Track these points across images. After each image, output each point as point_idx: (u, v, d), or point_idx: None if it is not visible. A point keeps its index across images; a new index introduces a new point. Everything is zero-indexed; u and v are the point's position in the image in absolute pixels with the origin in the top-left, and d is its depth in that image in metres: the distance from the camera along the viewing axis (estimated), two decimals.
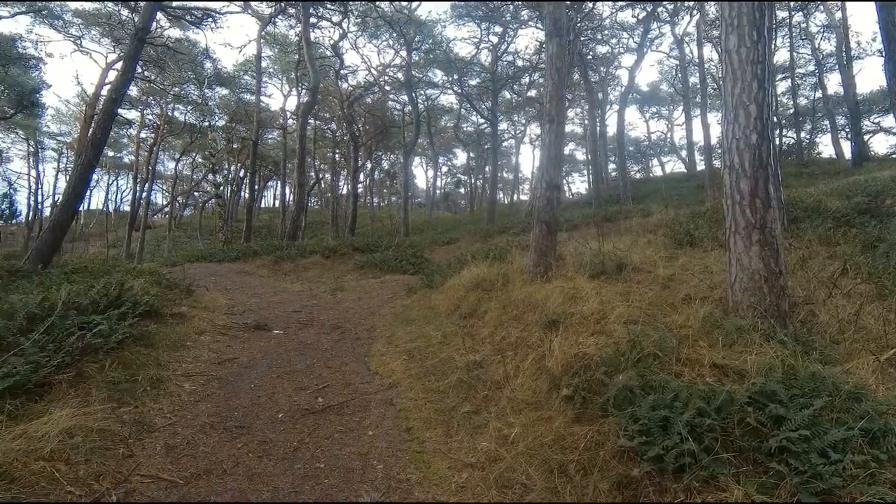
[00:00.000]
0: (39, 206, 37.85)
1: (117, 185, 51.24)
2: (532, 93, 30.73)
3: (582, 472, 2.66)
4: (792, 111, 27.13)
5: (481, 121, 35.72)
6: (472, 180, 45.49)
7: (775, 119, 19.24)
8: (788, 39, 23.95)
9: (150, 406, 3.66)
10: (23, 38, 20.15)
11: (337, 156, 40.85)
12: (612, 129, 38.01)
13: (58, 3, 19.97)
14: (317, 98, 17.95)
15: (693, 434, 2.46)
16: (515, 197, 47.75)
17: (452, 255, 14.05)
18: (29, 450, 2.69)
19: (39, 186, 38.94)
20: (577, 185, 56.67)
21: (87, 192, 47.58)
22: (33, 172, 38.89)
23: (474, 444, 3.24)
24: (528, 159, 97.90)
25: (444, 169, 55.41)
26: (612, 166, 40.69)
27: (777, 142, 20.17)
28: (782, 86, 28.02)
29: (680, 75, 27.88)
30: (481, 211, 36.29)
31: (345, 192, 48.42)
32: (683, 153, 39.33)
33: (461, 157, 52.87)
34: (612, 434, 2.76)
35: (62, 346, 3.80)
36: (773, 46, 19.46)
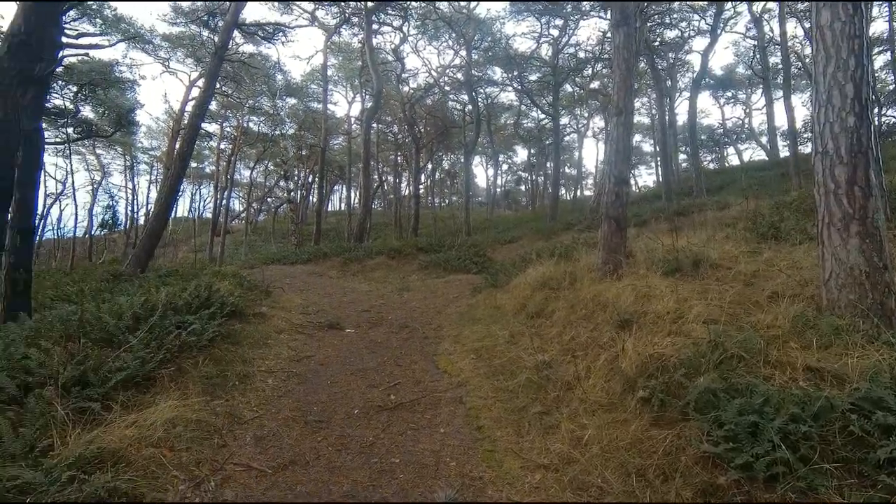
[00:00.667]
0: (135, 216, 41.83)
1: (200, 193, 55.41)
2: (595, 84, 29.80)
3: (662, 478, 2.57)
4: (893, 87, 24.42)
5: (542, 116, 35.13)
6: (533, 177, 44.83)
7: (873, 97, 17.44)
8: (887, 8, 21.56)
9: (239, 399, 3.94)
10: (119, 63, 22.29)
11: (399, 158, 41.82)
12: (681, 118, 36.07)
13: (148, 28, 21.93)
14: (380, 102, 18.46)
15: (786, 442, 2.30)
16: (578, 193, 46.56)
17: (515, 253, 13.95)
18: (140, 437, 2.99)
19: (135, 197, 42.97)
20: (644, 178, 54.33)
21: (176, 202, 51.86)
22: (130, 185, 42.99)
23: (546, 445, 3.21)
24: (592, 154, 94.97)
25: (505, 167, 55.05)
26: (682, 157, 38.60)
27: (875, 122, 18.25)
28: (880, 60, 25.29)
29: (759, 56, 25.90)
30: (543, 208, 35.71)
31: (406, 193, 49.48)
32: (763, 139, 36.53)
33: (521, 154, 52.35)
34: (694, 439, 2.64)
35: (163, 344, 4.18)
36: (869, 17, 17.65)
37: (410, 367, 5.00)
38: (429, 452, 3.30)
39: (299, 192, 38.17)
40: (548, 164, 46.11)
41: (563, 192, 55.47)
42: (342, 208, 50.62)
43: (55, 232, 30.15)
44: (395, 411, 3.95)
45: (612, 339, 4.11)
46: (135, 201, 42.04)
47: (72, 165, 33.46)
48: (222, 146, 38.33)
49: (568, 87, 31.78)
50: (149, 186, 46.55)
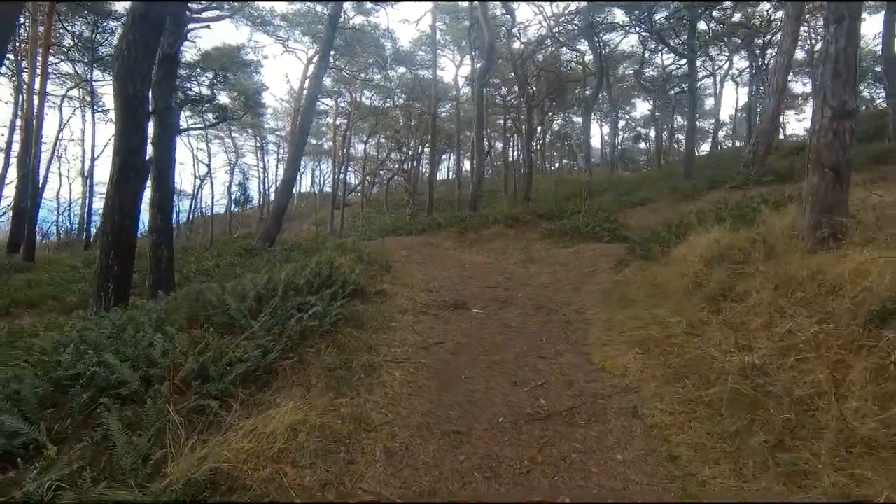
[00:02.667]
0: (266, 192, 45.71)
1: (320, 169, 59.03)
2: (737, 17, 25.32)
3: None
4: None
5: (668, 62, 31.06)
6: (656, 133, 40.32)
7: None
8: None
9: (366, 397, 3.40)
10: (245, 46, 23.65)
11: (508, 122, 40.19)
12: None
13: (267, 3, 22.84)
14: (493, 59, 17.28)
15: None
16: (710, 147, 41.03)
17: (652, 218, 12.25)
18: (259, 451, 2.52)
19: (265, 175, 46.87)
20: (793, 124, 46.31)
21: (298, 177, 55.63)
22: (261, 164, 46.94)
23: (790, 498, 2.18)
24: (729, 101, 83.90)
25: (621, 123, 50.43)
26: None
27: None
28: None
29: None
30: (670, 166, 31.99)
31: (514, 158, 47.70)
32: None
33: (641, 108, 47.53)
34: None
35: (284, 330, 3.80)
36: None
37: (556, 359, 4.13)
38: (609, 493, 2.44)
39: (410, 163, 38.61)
40: (675, 118, 41.25)
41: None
42: (450, 177, 50.52)
43: (200, 210, 33.79)
44: (548, 422, 3.13)
45: (869, 338, 2.84)
46: (265, 179, 45.83)
47: (209, 148, 37.27)
48: (338, 122, 39.95)
49: (702, 25, 27.45)
50: (276, 165, 50.36)
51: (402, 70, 30.12)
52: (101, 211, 17.05)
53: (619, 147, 48.83)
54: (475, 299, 6.07)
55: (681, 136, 40.46)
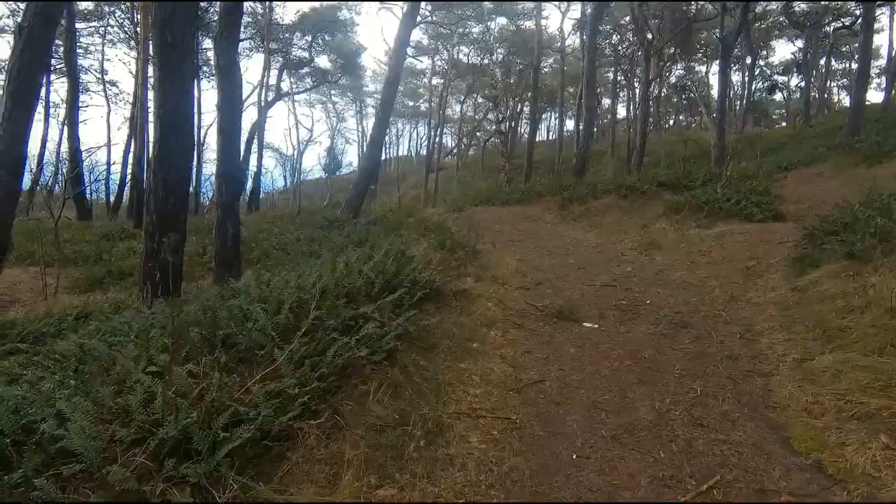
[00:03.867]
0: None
1: (417, 132, 58.62)
2: None
3: None
4: None
5: None
6: (804, 80, 33.71)
7: None
8: None
9: (421, 486, 2.21)
10: (340, 7, 23.00)
11: (618, 75, 36.13)
12: None
13: None
14: None
15: None
16: (881, 97, 33.49)
17: (817, 188, 9.59)
18: None
19: (364, 140, 47.44)
20: None
21: (395, 141, 55.54)
22: (360, 128, 47.53)
23: None
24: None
25: (756, 71, 43.06)
26: None
27: None
28: None
29: None
30: (826, 120, 26.58)
31: (624, 115, 43.13)
32: None
33: (781, 51, 40.31)
34: None
35: (320, 363, 2.70)
36: None
37: (727, 433, 2.60)
38: None
39: (507, 123, 36.54)
40: (830, 62, 34.21)
41: (840, 96, 41.62)
42: (550, 137, 47.30)
43: (301, 175, 34.81)
44: None
45: None
46: (363, 144, 46.32)
47: (312, 114, 38.03)
48: (434, 82, 38.76)
49: None
50: None
51: (502, 21, 27.82)
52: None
53: (752, 99, 42.01)
54: (586, 304, 4.58)
55: (836, 84, 33.68)
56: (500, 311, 4.23)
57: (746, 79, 31.88)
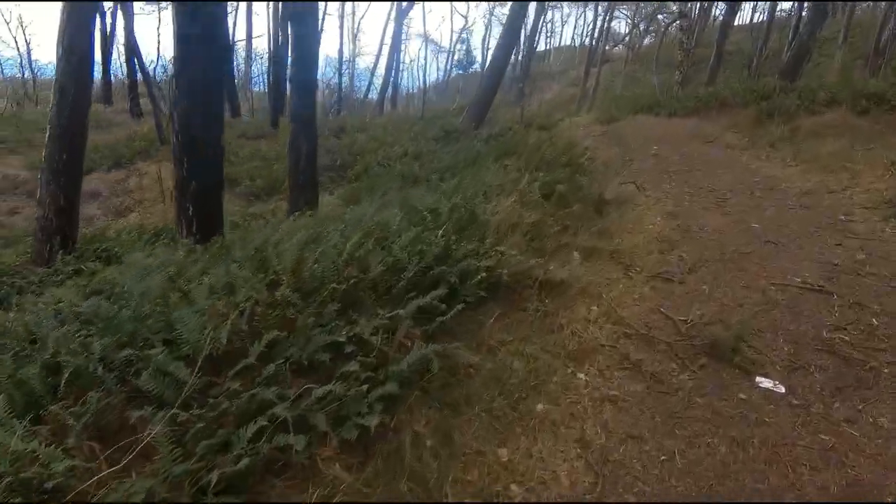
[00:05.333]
0: (523, 46, 41.79)
1: (584, 17, 50.82)
2: None
3: None
4: None
5: None
6: None
7: None
8: None
9: None
10: None
11: None
12: None
13: None
14: None
15: None
16: None
17: None
18: None
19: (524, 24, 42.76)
20: None
21: (549, 27, 48.99)
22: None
23: None
24: None
25: None
26: None
27: None
28: None
29: None
30: None
31: None
32: None
33: None
34: None
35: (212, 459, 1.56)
36: None
37: None
38: None
39: (697, 5, 29.34)
40: None
41: None
42: (757, 20, 37.00)
43: (451, 71, 32.86)
44: None
45: None
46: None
47: None
48: None
49: None
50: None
51: None
52: None
53: None
54: (769, 328, 2.68)
55: None
56: (606, 329, 2.61)
57: None
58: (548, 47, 49.70)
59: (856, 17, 26.20)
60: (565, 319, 2.62)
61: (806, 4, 12.54)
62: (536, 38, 44.26)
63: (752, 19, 39.78)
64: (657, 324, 2.72)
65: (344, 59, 27.66)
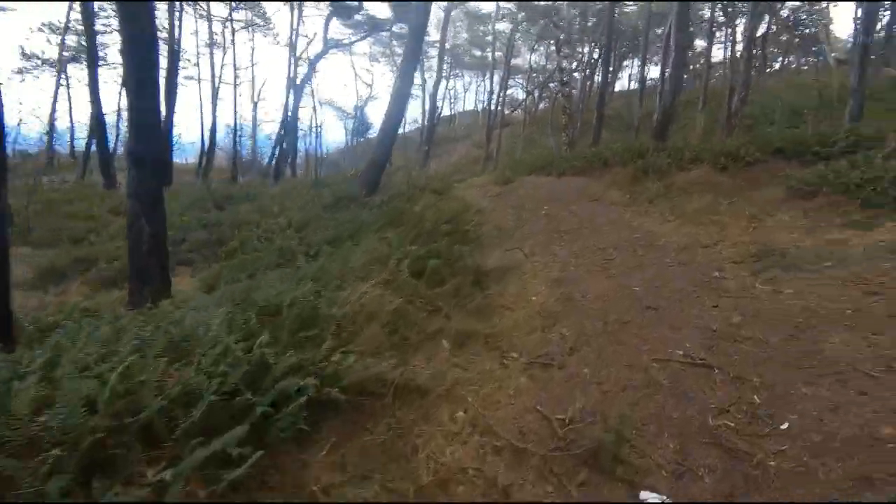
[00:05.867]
0: (424, 113, 43.50)
1: (485, 85, 54.38)
2: None
3: None
4: None
5: None
6: None
7: None
8: None
9: None
10: None
11: (716, 12, 30.45)
12: None
13: None
14: None
15: None
16: None
17: None
18: None
19: (424, 95, 44.75)
20: None
21: (452, 94, 51.92)
22: (421, 81, 44.72)
23: None
24: None
25: None
26: None
27: None
28: None
29: None
30: None
31: (721, 59, 36.79)
32: None
33: None
34: None
35: None
36: None
37: None
38: None
39: (580, 73, 32.58)
40: None
41: None
42: (632, 87, 41.82)
43: (360, 138, 33.16)
44: None
45: None
46: (425, 99, 43.64)
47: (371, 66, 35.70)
48: (499, 27, 35.20)
49: None
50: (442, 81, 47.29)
51: None
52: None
53: (881, 33, 34.00)
54: (654, 419, 2.37)
55: None
56: (473, 443, 2.16)
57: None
58: (452, 112, 52.39)
59: (712, 84, 30.28)
60: (423, 438, 2.13)
61: (669, 71, 14.05)
62: (440, 105, 46.37)
63: (629, 86, 44.84)
64: (532, 427, 2.31)
65: (246, 125, 26.92)
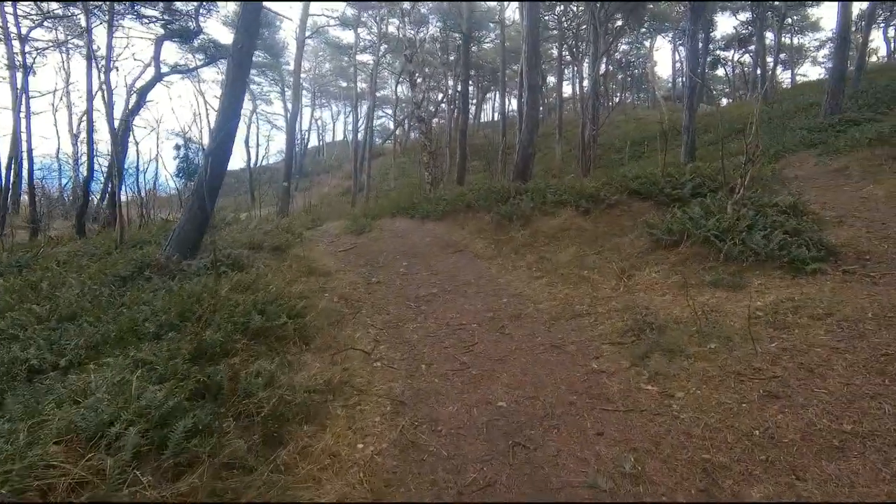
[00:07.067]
0: (293, 144, 40.90)
1: (354, 114, 53.19)
2: None
3: None
4: None
5: None
6: (759, 52, 31.81)
7: None
8: None
9: None
10: None
11: (563, 52, 33.10)
12: None
13: None
14: None
15: None
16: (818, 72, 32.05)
17: (855, 199, 6.73)
18: None
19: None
20: None
21: (320, 124, 50.22)
22: (283, 110, 42.13)
23: None
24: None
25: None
26: None
27: None
28: None
29: None
30: (782, 97, 24.60)
31: (569, 94, 40.20)
32: None
33: (723, 25, 38.78)
34: None
35: None
36: None
37: None
38: None
39: (447, 107, 33.07)
40: (769, 35, 32.29)
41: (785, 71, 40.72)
42: (495, 118, 43.77)
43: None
44: None
45: None
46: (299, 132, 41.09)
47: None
48: (362, 59, 34.53)
49: None
50: (310, 110, 44.98)
51: None
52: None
53: (691, 77, 40.09)
54: None
55: (773, 59, 32.15)
56: None
57: (702, 49, 29.57)
58: (320, 143, 50.32)
59: (566, 115, 32.52)
60: None
61: (525, 109, 14.19)
62: (306, 135, 44.25)
63: (493, 117, 46.93)
64: None
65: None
